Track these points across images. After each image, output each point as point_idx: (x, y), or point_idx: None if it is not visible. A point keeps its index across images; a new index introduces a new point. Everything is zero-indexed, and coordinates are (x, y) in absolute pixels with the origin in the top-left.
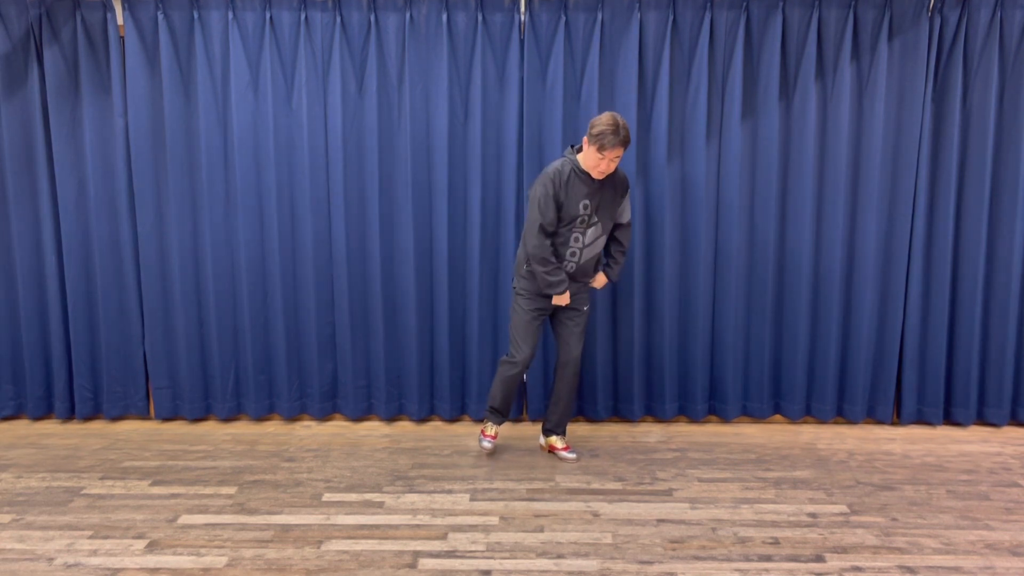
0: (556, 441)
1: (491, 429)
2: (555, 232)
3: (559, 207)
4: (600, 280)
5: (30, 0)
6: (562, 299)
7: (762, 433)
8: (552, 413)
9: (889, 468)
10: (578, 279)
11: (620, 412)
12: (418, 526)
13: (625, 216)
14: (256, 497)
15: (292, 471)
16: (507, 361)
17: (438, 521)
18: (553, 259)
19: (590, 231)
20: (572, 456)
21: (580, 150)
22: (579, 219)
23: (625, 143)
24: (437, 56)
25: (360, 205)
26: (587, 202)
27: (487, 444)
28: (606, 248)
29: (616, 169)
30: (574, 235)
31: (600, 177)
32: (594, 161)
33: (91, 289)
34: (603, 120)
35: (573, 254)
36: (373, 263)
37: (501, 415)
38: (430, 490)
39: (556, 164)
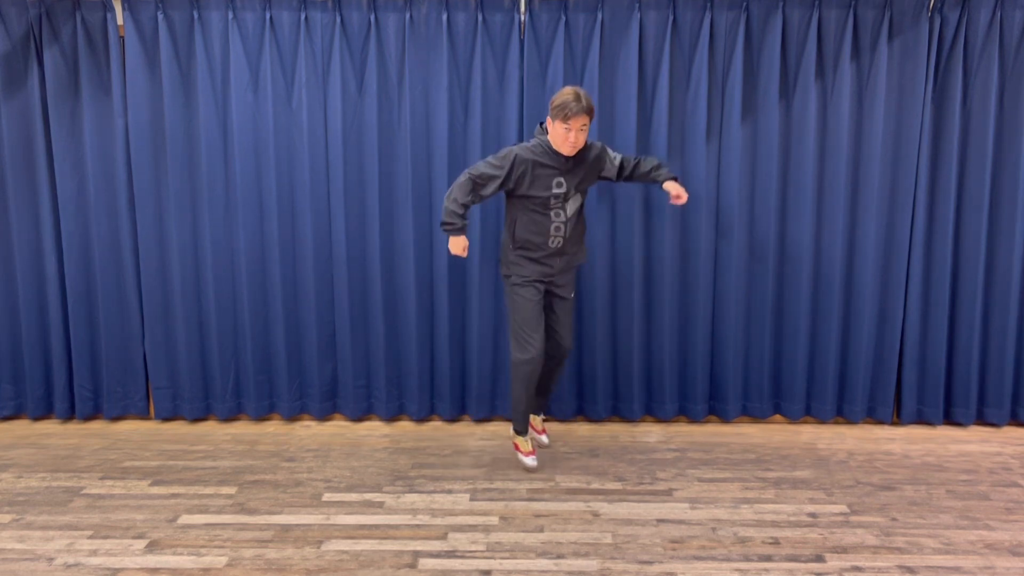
0: (535, 421)
1: (526, 444)
2: (532, 208)
3: (518, 185)
4: (675, 188)
5: (30, 0)
6: (457, 243)
7: (762, 433)
8: (539, 397)
9: (889, 468)
10: (567, 251)
11: (620, 412)
12: (418, 526)
13: (615, 163)
14: (256, 497)
15: (292, 471)
16: (519, 361)
17: (438, 521)
18: (463, 210)
19: (570, 204)
20: (545, 441)
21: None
22: (553, 196)
23: (589, 111)
24: (437, 56)
25: (360, 205)
26: (561, 180)
27: (531, 461)
28: (646, 178)
29: (588, 145)
30: (554, 211)
31: (571, 152)
32: (562, 135)
33: (91, 289)
34: (563, 92)
35: (558, 229)
36: (373, 263)
37: (527, 428)
38: (430, 490)
39: (528, 147)
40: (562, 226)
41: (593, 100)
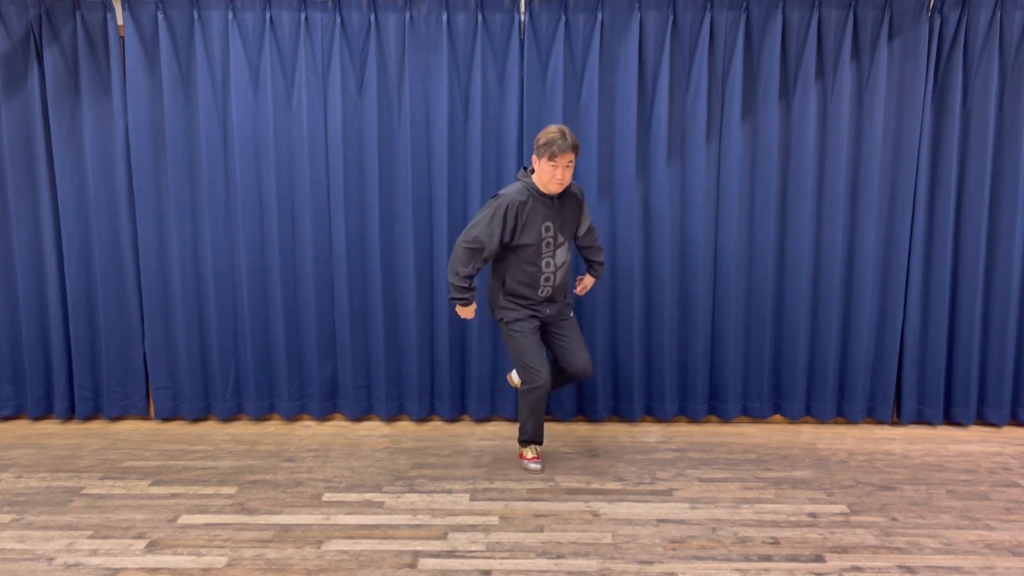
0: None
1: (532, 452)
2: (524, 259)
3: (512, 235)
4: (588, 282)
5: (30, 0)
6: (466, 312)
7: (762, 433)
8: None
9: (889, 468)
10: (556, 299)
11: (620, 412)
12: (418, 526)
13: (584, 224)
14: (256, 497)
15: (292, 471)
16: (527, 390)
17: (438, 521)
18: (468, 281)
19: (559, 252)
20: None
21: (534, 171)
22: (544, 242)
23: (575, 148)
24: (437, 56)
25: (360, 205)
26: (549, 224)
27: (536, 466)
28: (583, 255)
29: (573, 189)
30: (544, 260)
31: (558, 189)
32: (548, 173)
33: (91, 289)
34: (548, 130)
35: (547, 279)
36: (373, 263)
37: (538, 441)
38: (430, 490)
39: (514, 191)
40: (551, 276)
41: (594, 101)
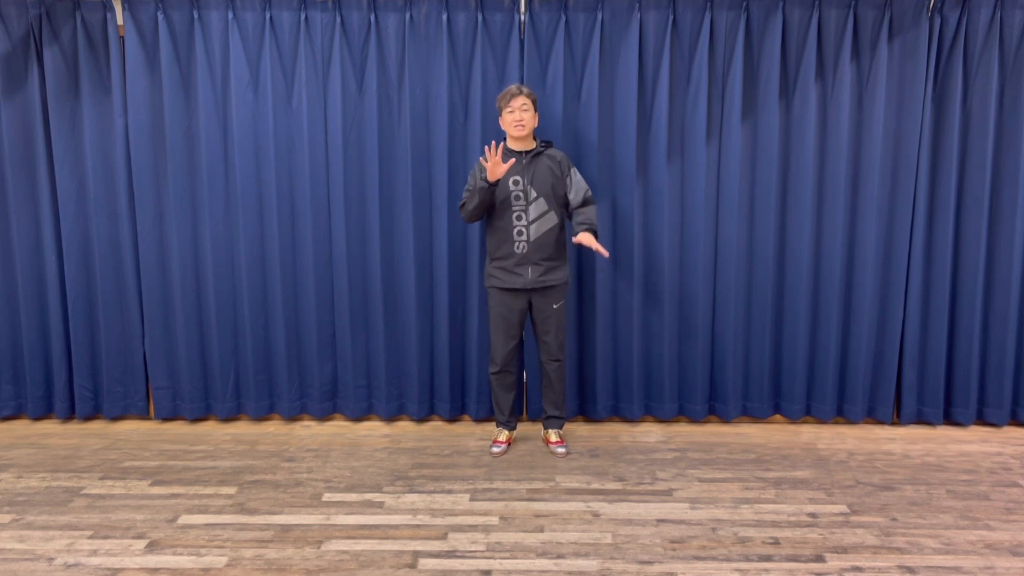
0: (550, 434)
1: (499, 435)
2: (497, 215)
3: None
4: (586, 238)
5: (30, 0)
6: (495, 169)
7: (762, 433)
8: (545, 402)
9: (889, 468)
10: (538, 261)
11: (620, 412)
12: (418, 526)
13: (577, 194)
14: (256, 497)
15: (292, 471)
16: (490, 371)
17: (438, 521)
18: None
19: (532, 207)
20: (561, 451)
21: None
22: (513, 195)
23: (529, 95)
24: (437, 56)
25: (360, 205)
26: (518, 178)
27: (495, 449)
28: (576, 222)
29: (553, 151)
30: (516, 213)
31: (521, 132)
32: (508, 120)
33: (91, 289)
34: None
35: (520, 232)
36: (373, 263)
37: (504, 422)
38: (430, 490)
39: None
40: (524, 230)
41: (594, 101)
